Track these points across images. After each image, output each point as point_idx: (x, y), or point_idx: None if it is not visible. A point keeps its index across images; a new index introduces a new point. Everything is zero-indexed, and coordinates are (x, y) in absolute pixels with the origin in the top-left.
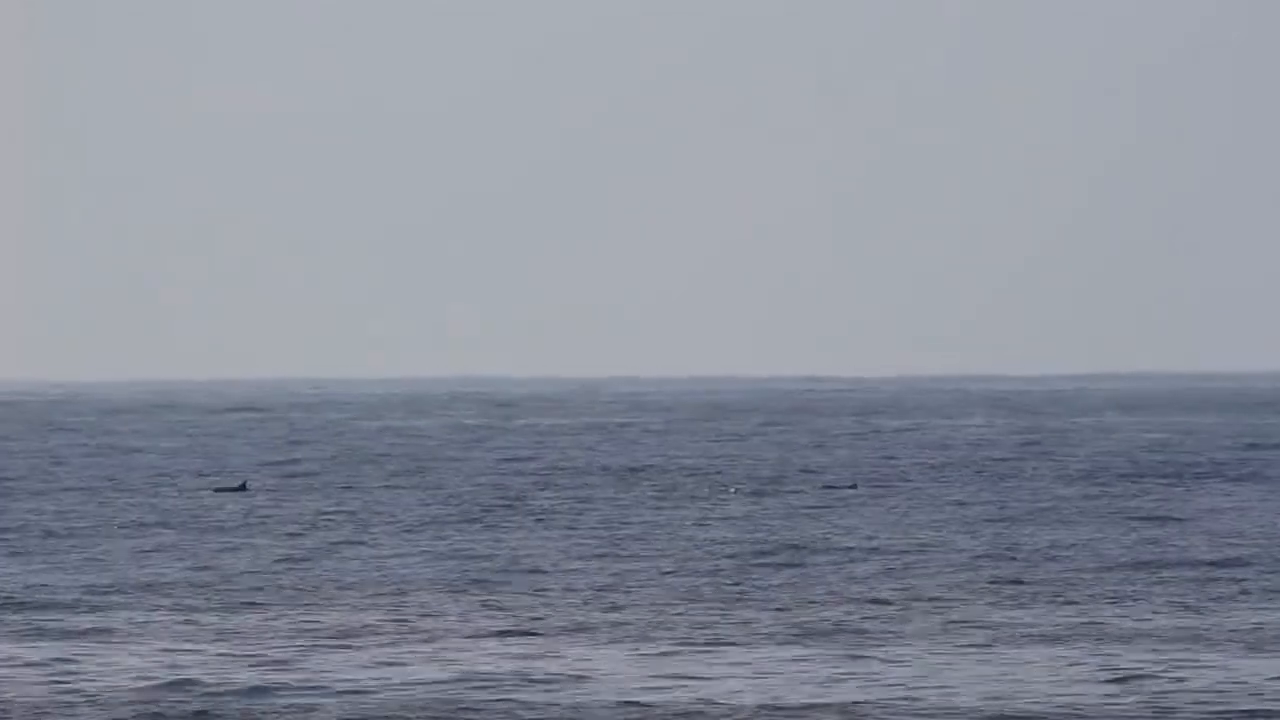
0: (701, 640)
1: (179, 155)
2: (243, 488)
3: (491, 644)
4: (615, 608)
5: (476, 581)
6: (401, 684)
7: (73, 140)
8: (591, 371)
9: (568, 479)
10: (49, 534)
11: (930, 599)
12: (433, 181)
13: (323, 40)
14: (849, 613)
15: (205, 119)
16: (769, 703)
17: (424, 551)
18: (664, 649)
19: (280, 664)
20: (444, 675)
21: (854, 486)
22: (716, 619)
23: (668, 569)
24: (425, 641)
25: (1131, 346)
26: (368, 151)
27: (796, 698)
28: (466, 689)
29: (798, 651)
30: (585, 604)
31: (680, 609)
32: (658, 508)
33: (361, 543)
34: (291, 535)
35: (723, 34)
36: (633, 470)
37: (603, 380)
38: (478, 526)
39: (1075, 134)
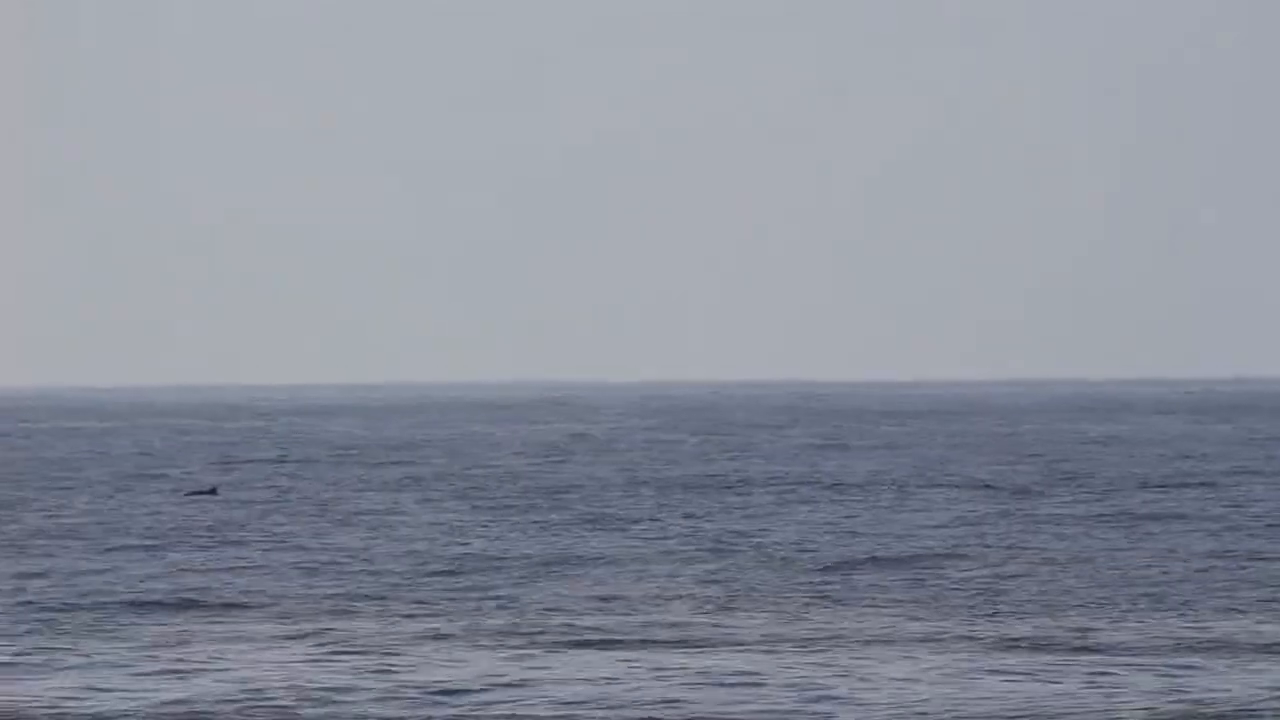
0: None
1: (179, 155)
2: (213, 491)
3: None
4: None
5: None
6: None
7: (73, 140)
8: (589, 374)
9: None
10: None
11: None
12: (432, 181)
13: (323, 40)
14: None
15: (205, 119)
16: None
17: None
18: None
19: None
20: None
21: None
22: None
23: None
24: None
25: (1130, 348)
26: (367, 152)
27: None
28: None
29: None
30: None
31: None
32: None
33: None
34: None
35: (723, 34)
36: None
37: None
38: None
39: (1075, 134)
